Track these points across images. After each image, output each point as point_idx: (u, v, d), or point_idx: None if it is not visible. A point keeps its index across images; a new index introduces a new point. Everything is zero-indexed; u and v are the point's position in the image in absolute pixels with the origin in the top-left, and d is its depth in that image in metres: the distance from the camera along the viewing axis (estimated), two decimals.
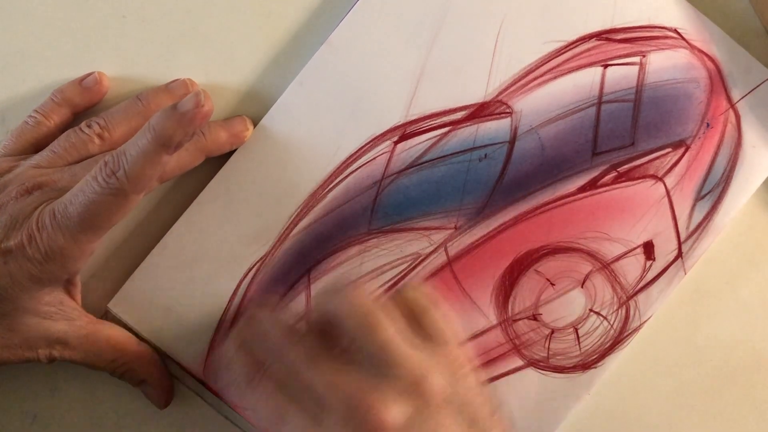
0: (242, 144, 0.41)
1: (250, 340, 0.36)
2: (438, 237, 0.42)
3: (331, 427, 0.31)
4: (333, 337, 0.34)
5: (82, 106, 0.41)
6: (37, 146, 0.40)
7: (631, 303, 0.43)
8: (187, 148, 0.40)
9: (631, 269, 0.43)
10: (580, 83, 0.42)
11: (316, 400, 0.32)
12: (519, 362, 0.42)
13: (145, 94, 0.41)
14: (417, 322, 0.34)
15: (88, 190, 0.35)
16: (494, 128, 0.42)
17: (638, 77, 0.43)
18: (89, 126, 0.40)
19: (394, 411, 0.31)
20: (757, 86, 0.43)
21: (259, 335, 0.35)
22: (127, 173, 0.35)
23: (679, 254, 0.43)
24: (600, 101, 0.42)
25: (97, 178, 0.35)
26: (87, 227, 0.35)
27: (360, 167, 0.42)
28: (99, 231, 0.36)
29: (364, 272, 0.42)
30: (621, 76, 0.43)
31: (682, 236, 0.43)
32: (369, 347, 0.33)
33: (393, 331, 0.33)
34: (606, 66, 0.42)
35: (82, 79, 0.41)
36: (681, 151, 0.43)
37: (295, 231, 0.42)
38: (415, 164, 0.42)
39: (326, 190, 0.42)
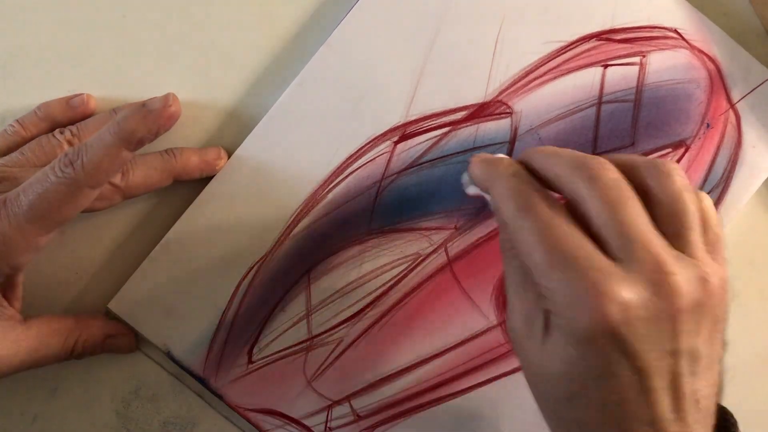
0: (214, 173, 0.41)
1: (548, 159, 0.33)
2: (438, 237, 0.42)
3: (631, 274, 0.29)
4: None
5: (63, 123, 0.41)
6: (9, 153, 0.40)
7: None
8: (156, 167, 0.40)
9: None
10: (580, 83, 0.42)
11: (621, 243, 0.30)
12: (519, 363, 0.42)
13: (121, 108, 0.41)
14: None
15: (44, 179, 0.35)
16: (494, 128, 0.42)
17: (638, 77, 0.43)
18: (61, 132, 0.40)
19: (687, 292, 0.30)
20: (757, 86, 0.43)
21: (565, 156, 0.32)
22: (84, 164, 0.35)
23: None
24: (600, 101, 0.42)
25: (54, 167, 0.35)
26: (35, 217, 0.35)
27: (360, 167, 0.42)
28: (48, 223, 0.35)
29: (364, 272, 0.42)
30: (621, 76, 0.43)
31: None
32: (613, 223, 0.30)
33: (643, 217, 0.31)
34: (606, 66, 0.42)
35: (69, 99, 0.41)
36: (681, 151, 0.43)
37: (295, 231, 0.42)
38: (415, 164, 0.42)
39: (326, 190, 0.42)
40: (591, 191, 0.31)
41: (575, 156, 0.32)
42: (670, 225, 0.31)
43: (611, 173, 0.31)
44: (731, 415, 0.34)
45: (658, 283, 0.30)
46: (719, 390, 0.33)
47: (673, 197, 0.31)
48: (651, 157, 0.42)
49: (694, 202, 0.32)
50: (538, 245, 0.30)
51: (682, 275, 0.30)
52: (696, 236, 0.31)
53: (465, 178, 0.36)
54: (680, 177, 0.32)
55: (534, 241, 0.31)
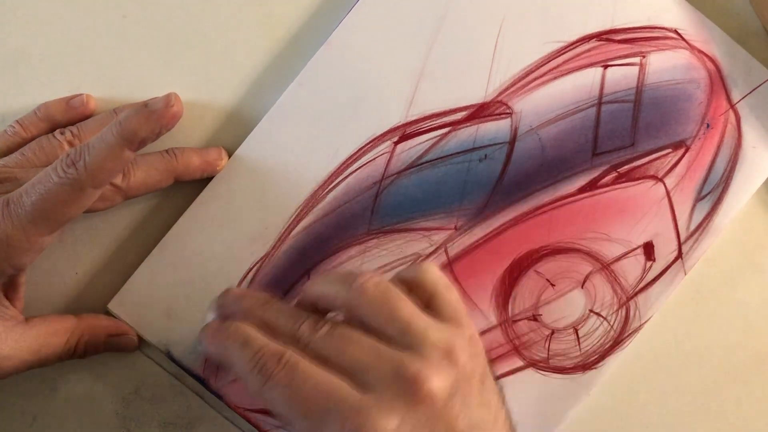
0: (215, 173, 0.41)
1: (267, 325, 0.35)
2: (438, 237, 0.42)
3: (383, 396, 0.31)
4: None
5: (63, 124, 0.41)
6: (9, 154, 0.40)
7: (632, 304, 0.43)
8: (157, 167, 0.40)
9: (631, 270, 0.43)
10: (580, 84, 0.42)
11: (362, 372, 0.32)
12: (519, 363, 0.42)
13: (122, 108, 0.41)
14: (430, 302, 0.34)
15: (46, 179, 0.35)
16: (494, 129, 0.42)
17: (638, 78, 0.43)
18: (62, 133, 0.40)
19: (437, 380, 0.31)
20: (757, 87, 0.43)
21: (277, 318, 0.35)
22: (87, 164, 0.35)
23: (679, 255, 0.43)
24: (600, 102, 0.42)
25: (56, 168, 0.35)
26: (38, 218, 0.35)
27: (360, 167, 0.42)
28: (51, 223, 0.35)
29: None
30: (621, 76, 0.43)
31: (682, 237, 0.43)
32: (392, 328, 0.33)
33: (412, 309, 0.33)
34: (606, 66, 0.42)
35: (69, 99, 0.41)
36: (681, 151, 0.43)
37: (295, 231, 0.42)
38: (415, 165, 0.42)
39: (326, 190, 0.42)
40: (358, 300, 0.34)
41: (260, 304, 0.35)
42: (383, 330, 0.33)
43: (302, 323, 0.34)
44: None
45: (411, 393, 0.31)
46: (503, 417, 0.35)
47: (358, 302, 0.34)
48: (650, 161, 0.42)
49: (375, 300, 0.34)
50: (293, 411, 0.32)
51: (426, 373, 0.31)
52: (398, 327, 0.33)
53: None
54: (358, 284, 0.34)
55: (288, 408, 0.32)
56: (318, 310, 0.35)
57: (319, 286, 0.36)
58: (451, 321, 0.34)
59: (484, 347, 0.35)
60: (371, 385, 0.32)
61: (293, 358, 0.32)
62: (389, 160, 0.42)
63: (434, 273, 0.35)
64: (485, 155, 0.42)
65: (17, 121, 0.41)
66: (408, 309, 0.33)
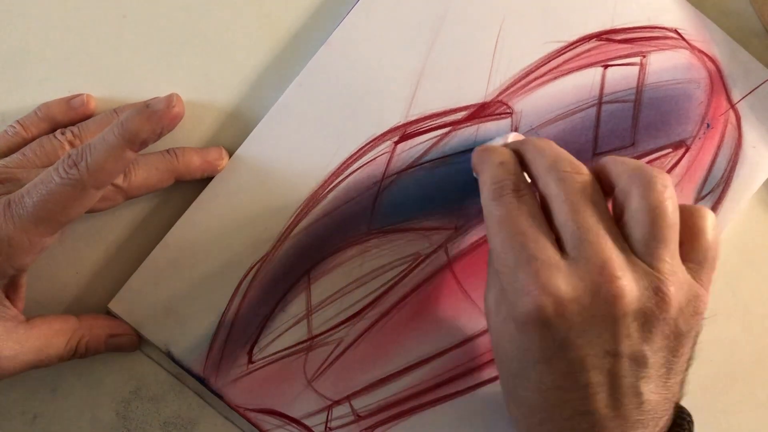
0: (215, 173, 0.41)
1: (532, 153, 0.35)
2: (438, 237, 0.42)
3: (571, 273, 0.31)
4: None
5: (63, 124, 0.41)
6: (10, 154, 0.40)
7: None
8: (157, 167, 0.40)
9: None
10: (580, 83, 0.42)
11: (574, 242, 0.32)
12: None
13: (123, 108, 0.41)
14: (693, 241, 0.33)
15: (48, 180, 0.35)
16: (495, 129, 0.42)
17: (638, 78, 0.43)
18: (63, 134, 0.40)
19: (631, 292, 0.31)
20: (758, 86, 0.43)
21: (545, 154, 0.35)
22: (88, 165, 0.35)
23: None
24: (600, 101, 0.43)
25: (58, 168, 0.35)
26: (40, 219, 0.35)
27: (360, 167, 0.42)
28: (52, 224, 0.35)
29: (364, 272, 0.42)
30: (621, 76, 0.43)
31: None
32: (570, 223, 0.32)
33: (602, 221, 0.32)
34: (606, 66, 0.43)
35: (69, 99, 0.41)
36: (681, 151, 0.43)
37: (295, 231, 0.42)
38: (415, 164, 0.42)
39: (326, 190, 0.42)
40: (557, 191, 0.33)
41: (554, 155, 0.34)
42: (640, 233, 0.32)
43: (579, 177, 0.33)
44: (688, 415, 0.34)
45: (601, 284, 0.31)
46: (675, 397, 0.33)
47: (648, 206, 0.32)
48: (650, 161, 0.42)
49: (670, 215, 0.32)
50: (498, 231, 0.33)
51: (628, 282, 0.31)
52: (664, 249, 0.32)
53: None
54: (662, 187, 0.32)
55: (496, 227, 0.33)
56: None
57: (534, 159, 0.35)
58: (703, 267, 0.33)
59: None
60: (575, 255, 0.32)
61: (527, 197, 0.33)
62: (389, 160, 0.42)
63: (704, 213, 0.34)
64: None
65: (18, 121, 0.41)
66: (664, 201, 0.32)
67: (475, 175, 0.38)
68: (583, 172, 0.34)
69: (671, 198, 0.32)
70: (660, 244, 0.32)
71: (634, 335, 0.31)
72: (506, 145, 0.37)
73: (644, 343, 0.31)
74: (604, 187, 0.34)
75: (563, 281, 0.31)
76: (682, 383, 0.34)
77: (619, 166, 0.34)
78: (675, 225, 0.32)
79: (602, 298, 0.31)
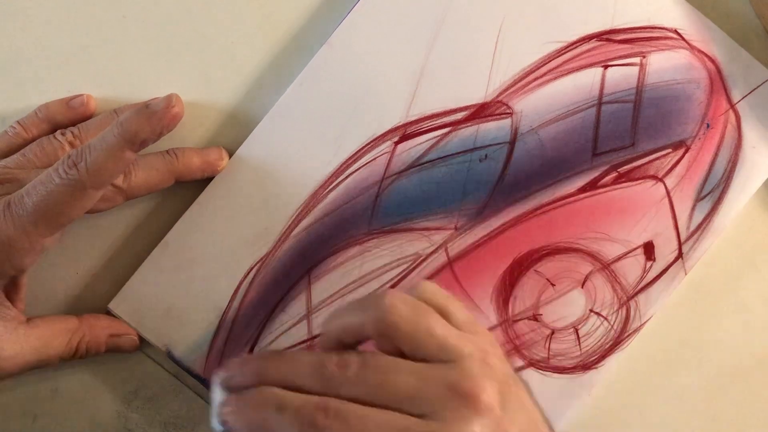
0: (215, 173, 0.41)
1: (288, 381, 0.32)
2: (438, 237, 0.42)
3: (448, 417, 0.30)
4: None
5: (63, 124, 0.41)
6: (10, 155, 0.40)
7: (632, 303, 0.43)
8: (158, 168, 0.40)
9: (631, 270, 0.43)
10: (580, 84, 0.42)
11: (413, 399, 0.30)
12: (519, 362, 0.42)
13: (123, 109, 0.41)
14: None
15: (47, 181, 0.35)
16: (494, 129, 0.42)
17: (638, 78, 0.43)
18: (63, 134, 0.40)
19: (490, 390, 0.30)
20: (758, 87, 0.43)
21: (295, 370, 0.32)
22: (88, 165, 0.35)
23: (680, 255, 0.43)
24: (600, 102, 0.43)
25: (58, 169, 0.35)
26: (40, 219, 0.35)
27: (360, 168, 0.42)
28: (52, 225, 0.36)
29: (364, 272, 0.42)
30: (621, 76, 0.43)
31: (683, 237, 0.43)
32: (430, 345, 0.31)
33: (442, 322, 0.32)
34: (606, 66, 0.43)
35: (69, 100, 0.41)
36: (681, 151, 0.43)
37: (295, 231, 0.42)
38: (415, 165, 0.42)
39: (327, 190, 0.42)
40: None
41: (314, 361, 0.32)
42: (416, 352, 0.31)
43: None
44: None
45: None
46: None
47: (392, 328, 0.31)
48: (650, 162, 0.42)
49: (409, 316, 0.31)
50: None
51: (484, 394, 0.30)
52: (435, 343, 0.31)
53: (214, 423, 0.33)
54: (387, 305, 0.31)
55: None
56: (339, 348, 0.33)
57: (340, 318, 0.33)
58: (469, 329, 0.33)
59: None
60: (429, 411, 0.30)
61: (341, 406, 0.30)
62: (390, 160, 0.42)
63: (433, 287, 0.34)
64: (485, 155, 0.42)
65: (18, 121, 0.41)
66: (440, 322, 0.32)
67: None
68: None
69: (397, 299, 0.32)
70: (430, 343, 0.32)
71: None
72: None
73: (512, 420, 0.31)
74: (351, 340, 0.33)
75: None
76: (538, 416, 0.34)
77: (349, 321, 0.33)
78: (422, 321, 0.32)
79: (485, 426, 0.30)
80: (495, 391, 0.31)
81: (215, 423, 0.32)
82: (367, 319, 0.32)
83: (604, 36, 0.42)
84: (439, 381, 0.30)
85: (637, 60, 0.43)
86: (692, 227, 0.43)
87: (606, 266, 0.42)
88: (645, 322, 0.43)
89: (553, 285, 0.43)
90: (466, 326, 0.33)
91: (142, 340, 0.41)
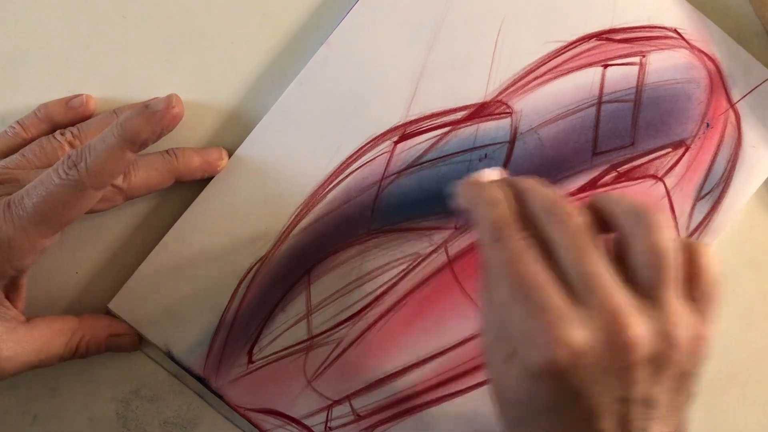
0: (215, 173, 0.41)
1: (526, 194, 0.34)
2: (438, 237, 0.42)
3: (583, 323, 0.30)
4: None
5: (63, 124, 0.41)
6: (9, 155, 0.40)
7: None
8: (157, 168, 0.40)
9: None
10: (580, 83, 0.42)
11: (583, 289, 0.31)
12: None
13: (122, 109, 0.41)
14: (693, 279, 0.33)
15: (47, 181, 0.35)
16: (494, 128, 0.42)
17: (638, 77, 0.43)
18: (62, 134, 0.40)
19: (643, 338, 0.30)
20: (757, 86, 0.43)
21: (541, 195, 0.33)
22: (88, 165, 0.35)
23: None
24: (600, 101, 0.43)
25: (58, 170, 0.35)
26: (40, 220, 0.35)
27: (360, 167, 0.42)
28: (52, 225, 0.36)
29: (364, 272, 0.42)
30: (621, 76, 0.43)
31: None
32: (576, 269, 0.31)
33: (607, 266, 0.32)
34: (606, 66, 0.43)
35: (68, 99, 0.41)
36: (681, 151, 0.43)
37: (295, 231, 0.42)
38: (415, 164, 0.42)
39: (326, 190, 0.42)
40: (559, 235, 0.32)
41: (550, 197, 0.33)
42: (644, 276, 0.32)
43: (579, 219, 0.32)
44: None
45: (613, 333, 0.30)
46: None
47: (653, 249, 0.32)
48: (649, 161, 0.42)
49: (674, 257, 0.32)
50: (503, 278, 0.31)
51: (639, 328, 0.31)
52: (668, 291, 0.32)
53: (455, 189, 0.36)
54: (660, 229, 0.32)
55: (500, 273, 0.32)
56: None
57: (530, 199, 0.34)
58: (706, 304, 0.33)
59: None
60: (584, 302, 0.30)
61: (530, 240, 0.32)
62: (389, 160, 0.42)
63: (707, 251, 0.34)
64: (485, 155, 0.42)
65: (17, 121, 0.41)
66: (668, 243, 0.32)
67: (456, 206, 0.36)
68: (581, 215, 0.33)
69: (674, 240, 0.32)
70: (667, 287, 0.32)
71: (645, 380, 0.31)
72: (497, 182, 0.36)
73: (654, 386, 0.31)
74: (599, 224, 0.34)
75: (577, 332, 0.30)
76: (683, 419, 0.34)
77: (616, 206, 0.33)
78: (678, 266, 0.32)
79: (616, 347, 0.30)
80: (649, 347, 0.31)
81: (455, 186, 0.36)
82: (632, 223, 0.32)
83: (604, 35, 0.42)
84: (615, 295, 0.31)
85: (636, 59, 0.43)
86: (692, 227, 0.43)
87: None
88: None
89: None
90: (703, 303, 0.33)
91: (142, 340, 0.41)
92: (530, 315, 0.31)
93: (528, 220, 0.33)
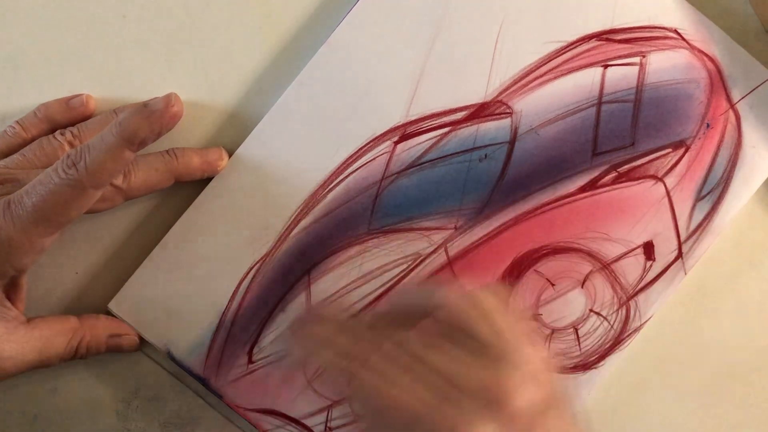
0: (215, 173, 0.41)
1: (340, 333, 0.35)
2: (438, 237, 0.42)
3: (469, 409, 0.31)
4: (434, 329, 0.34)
5: (63, 124, 0.41)
6: (9, 155, 0.40)
7: (632, 303, 0.43)
8: (157, 168, 0.40)
9: (631, 269, 0.43)
10: (580, 83, 0.42)
11: (449, 382, 0.31)
12: None
13: (122, 108, 0.41)
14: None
15: (47, 181, 0.35)
16: (494, 128, 0.42)
17: (638, 77, 0.43)
18: (62, 134, 0.40)
19: (525, 399, 0.31)
20: (757, 86, 0.43)
21: (350, 328, 0.35)
22: (87, 165, 0.35)
23: (680, 254, 0.43)
24: (600, 101, 0.43)
25: (57, 169, 0.35)
26: (40, 219, 0.35)
27: (360, 167, 0.42)
28: (52, 224, 0.36)
29: (364, 272, 0.42)
30: (621, 76, 0.43)
31: (683, 236, 0.43)
32: (485, 335, 0.32)
33: (505, 319, 0.33)
34: (606, 66, 0.43)
35: (68, 99, 0.41)
36: (681, 151, 0.43)
37: (295, 231, 0.42)
38: (415, 164, 0.42)
39: (326, 190, 0.42)
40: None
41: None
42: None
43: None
44: None
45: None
46: None
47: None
48: (650, 161, 0.42)
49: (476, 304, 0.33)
50: (377, 414, 0.32)
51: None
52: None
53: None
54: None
55: (370, 410, 0.33)
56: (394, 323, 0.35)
57: (408, 295, 0.35)
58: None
59: None
60: (458, 395, 0.31)
61: (379, 362, 0.32)
62: (389, 160, 0.42)
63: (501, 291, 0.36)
64: (485, 155, 0.42)
65: (17, 121, 0.41)
66: (499, 322, 0.33)
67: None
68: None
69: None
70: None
71: None
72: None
73: None
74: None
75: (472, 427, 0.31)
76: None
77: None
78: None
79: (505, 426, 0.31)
80: (532, 399, 0.31)
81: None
82: (435, 301, 0.34)
83: (604, 36, 0.42)
84: (479, 372, 0.31)
85: (636, 60, 0.43)
86: (692, 227, 0.43)
87: (606, 266, 0.42)
88: (645, 322, 0.43)
89: (552, 285, 0.43)
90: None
91: (142, 340, 0.41)
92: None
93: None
